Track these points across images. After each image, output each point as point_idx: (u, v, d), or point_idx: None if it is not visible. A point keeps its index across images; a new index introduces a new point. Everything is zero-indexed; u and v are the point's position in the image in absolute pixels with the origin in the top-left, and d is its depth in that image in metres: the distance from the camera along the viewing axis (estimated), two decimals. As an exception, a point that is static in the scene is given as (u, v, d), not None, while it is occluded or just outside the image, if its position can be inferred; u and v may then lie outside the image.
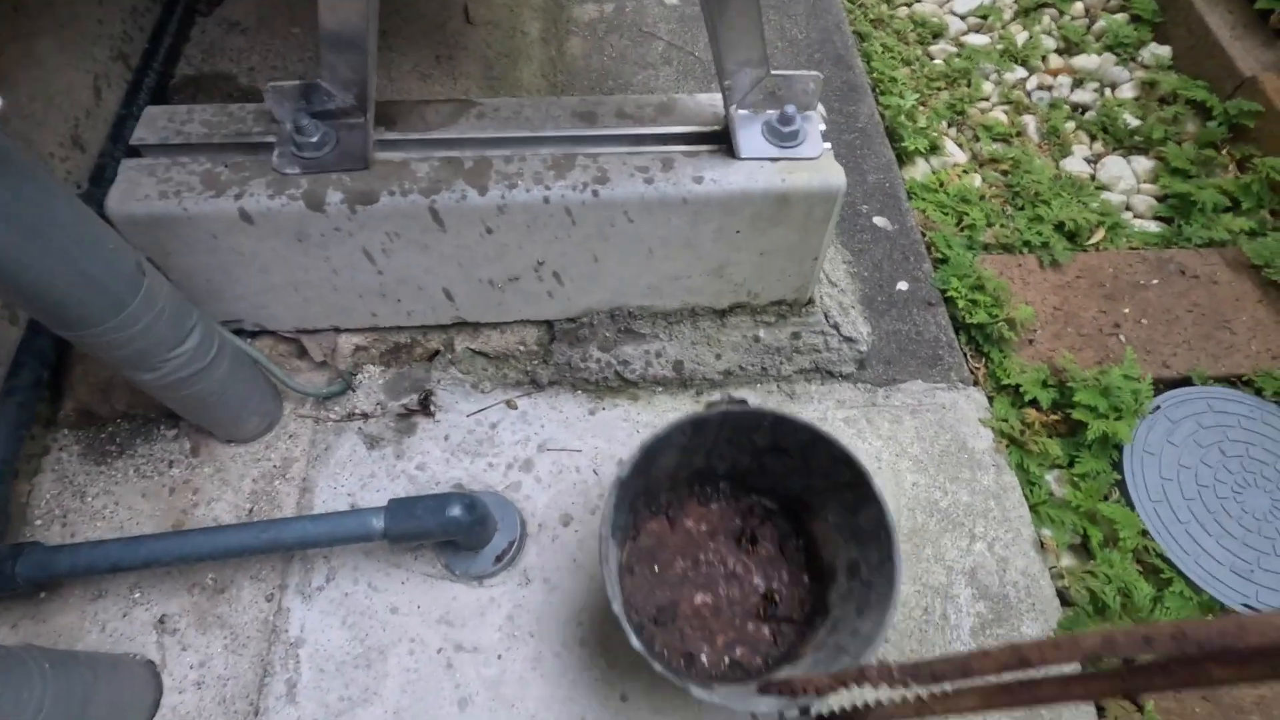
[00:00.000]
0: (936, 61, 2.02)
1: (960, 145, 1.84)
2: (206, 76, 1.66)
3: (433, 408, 1.30)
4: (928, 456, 1.33)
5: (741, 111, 1.13)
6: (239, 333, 1.25)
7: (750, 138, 1.12)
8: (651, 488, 1.15)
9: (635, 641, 0.87)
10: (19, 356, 1.17)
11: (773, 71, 1.09)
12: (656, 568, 1.13)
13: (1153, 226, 1.69)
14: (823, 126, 1.15)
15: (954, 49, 2.05)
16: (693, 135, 1.15)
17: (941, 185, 1.73)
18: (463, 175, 1.08)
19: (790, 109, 1.11)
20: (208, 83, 1.66)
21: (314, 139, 1.06)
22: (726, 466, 1.15)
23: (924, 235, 1.62)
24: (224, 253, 1.11)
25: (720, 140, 1.14)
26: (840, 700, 0.80)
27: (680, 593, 1.11)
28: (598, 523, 1.00)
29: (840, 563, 1.05)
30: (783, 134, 1.11)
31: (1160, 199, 1.72)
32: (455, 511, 1.06)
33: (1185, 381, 1.45)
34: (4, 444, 1.09)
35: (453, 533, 1.08)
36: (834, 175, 1.11)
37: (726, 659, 1.06)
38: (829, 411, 1.36)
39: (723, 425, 1.05)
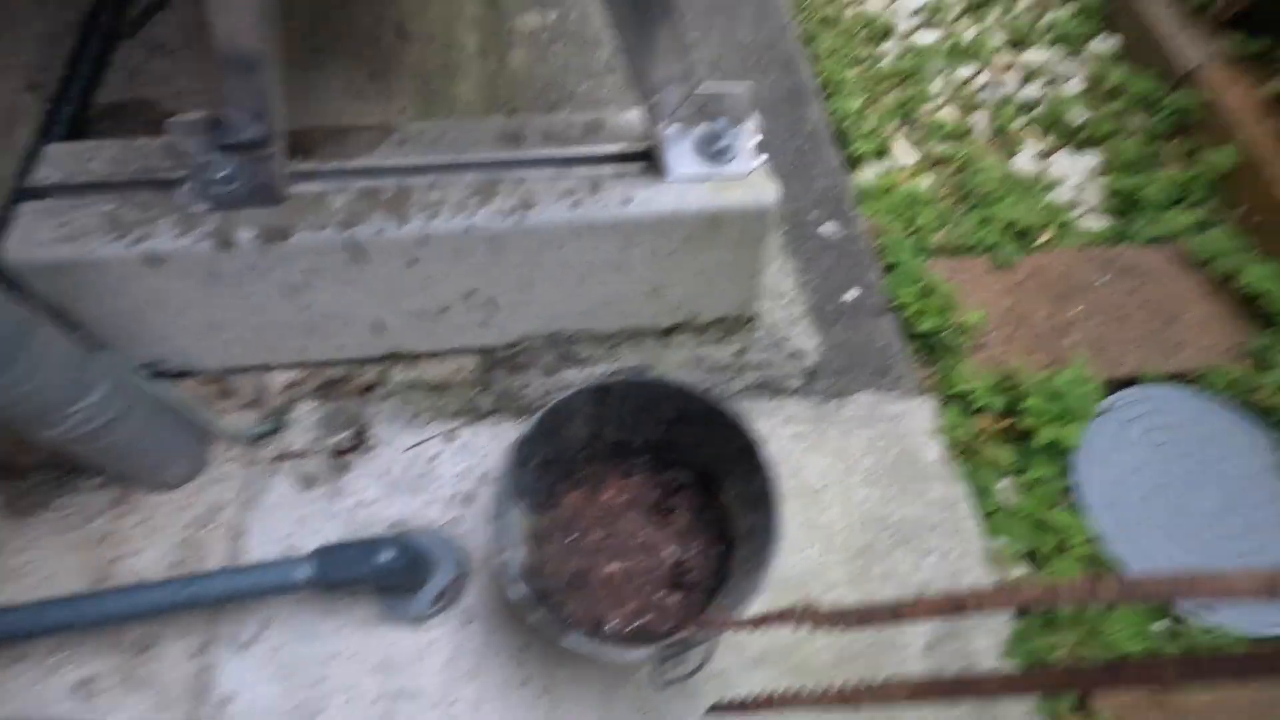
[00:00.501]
0: (885, 61, 1.99)
1: (911, 146, 1.82)
2: (130, 103, 1.60)
3: (369, 443, 1.26)
4: (878, 470, 1.31)
5: (671, 128, 1.10)
6: (161, 375, 1.20)
7: (680, 156, 1.09)
8: (567, 458, 1.18)
9: (518, 589, 0.92)
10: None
11: (701, 85, 1.06)
12: (572, 537, 1.17)
13: (1102, 223, 1.68)
14: (757, 139, 1.12)
15: (902, 48, 2.03)
16: (622, 155, 1.11)
17: (891, 188, 1.71)
18: (381, 206, 1.04)
19: (720, 124, 1.08)
20: (131, 109, 1.59)
21: (223, 174, 1.02)
22: (643, 439, 1.19)
23: (874, 241, 1.60)
24: (135, 296, 1.06)
25: (650, 158, 1.11)
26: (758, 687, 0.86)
27: (594, 561, 1.15)
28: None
29: (742, 530, 1.10)
30: (713, 151, 1.08)
31: (1109, 195, 1.71)
32: (385, 556, 1.02)
33: (1136, 381, 1.44)
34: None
35: (384, 578, 1.04)
36: (766, 193, 1.08)
37: (634, 625, 1.10)
38: (777, 428, 1.34)
39: (627, 393, 1.09)
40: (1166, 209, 1.63)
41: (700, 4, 2.02)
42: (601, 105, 1.52)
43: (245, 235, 1.01)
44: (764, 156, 1.11)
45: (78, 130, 1.52)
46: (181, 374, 1.23)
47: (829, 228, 1.60)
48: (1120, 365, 1.45)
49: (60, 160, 1.06)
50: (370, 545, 1.03)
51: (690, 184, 1.08)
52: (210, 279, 1.05)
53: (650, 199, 1.07)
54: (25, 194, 1.05)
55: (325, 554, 1.02)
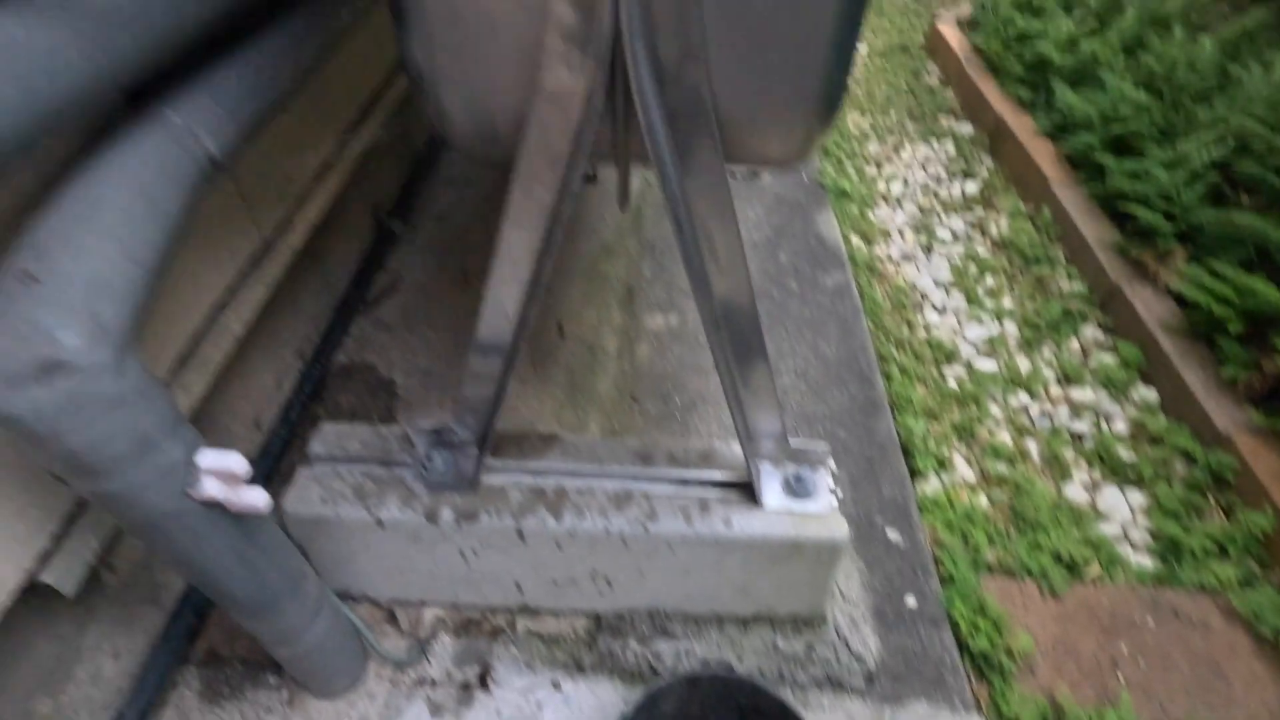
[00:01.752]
0: (950, 383, 2.36)
1: (969, 463, 2.11)
2: (356, 365, 2.14)
3: (490, 681, 1.51)
4: (930, 784, 1.43)
5: (765, 466, 1.44)
6: (345, 597, 1.53)
7: (771, 490, 1.42)
8: None
9: None
10: (179, 606, 1.47)
11: (790, 441, 1.41)
12: None
13: (1148, 561, 1.85)
14: (833, 485, 1.44)
15: (964, 372, 2.40)
16: (727, 483, 1.45)
17: (951, 502, 1.97)
18: (544, 503, 1.41)
19: (805, 470, 1.41)
20: (356, 371, 2.13)
21: (438, 465, 1.42)
22: None
23: (933, 551, 1.83)
24: (356, 544, 1.43)
25: (748, 488, 1.44)
26: None
27: None
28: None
29: None
30: (797, 490, 1.41)
31: (1154, 537, 1.90)
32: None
33: (1184, 731, 1.53)
34: (151, 689, 1.36)
35: (493, 818, 1.24)
36: (839, 530, 1.38)
37: None
38: (838, 724, 1.50)
39: (714, 683, 1.30)
40: (1210, 559, 1.80)
41: (793, 321, 2.49)
42: (716, 435, 1.91)
43: (447, 515, 1.38)
44: (836, 502, 1.42)
45: (319, 385, 2.04)
46: (357, 599, 1.56)
47: (893, 534, 1.86)
48: (1168, 713, 1.55)
49: (329, 437, 1.50)
50: (487, 785, 1.25)
51: (778, 515, 1.39)
52: (412, 540, 1.41)
53: (746, 524, 1.38)
54: (303, 459, 1.48)
55: (450, 787, 1.25)
